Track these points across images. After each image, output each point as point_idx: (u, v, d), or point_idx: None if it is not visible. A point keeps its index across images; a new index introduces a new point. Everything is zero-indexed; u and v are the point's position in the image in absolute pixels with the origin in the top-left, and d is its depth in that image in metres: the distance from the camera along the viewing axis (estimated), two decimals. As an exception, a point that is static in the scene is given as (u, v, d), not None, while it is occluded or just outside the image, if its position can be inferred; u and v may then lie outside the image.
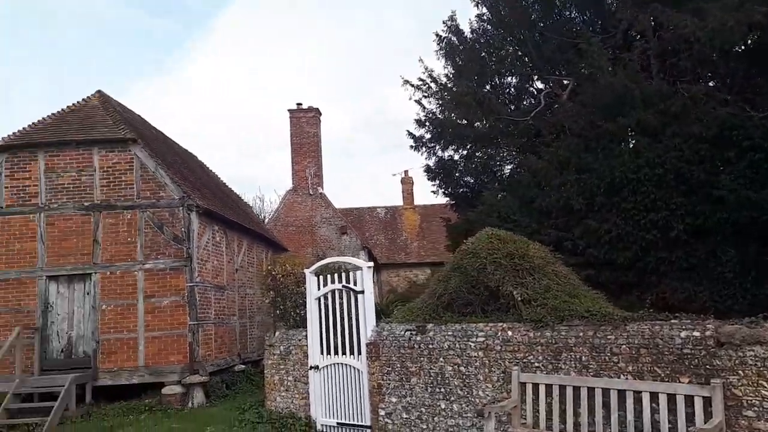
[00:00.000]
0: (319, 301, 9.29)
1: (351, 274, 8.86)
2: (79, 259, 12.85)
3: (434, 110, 17.78)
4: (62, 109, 14.02)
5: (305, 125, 29.79)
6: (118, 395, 12.65)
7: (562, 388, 6.22)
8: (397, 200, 42.10)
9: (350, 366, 8.71)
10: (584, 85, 11.90)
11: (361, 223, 37.10)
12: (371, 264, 8.60)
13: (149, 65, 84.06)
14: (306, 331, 9.49)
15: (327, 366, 9.06)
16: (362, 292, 8.61)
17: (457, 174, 17.93)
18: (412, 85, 17.37)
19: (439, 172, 17.91)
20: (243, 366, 15.51)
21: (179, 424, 10.32)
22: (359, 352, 8.56)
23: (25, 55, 76.19)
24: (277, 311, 9.89)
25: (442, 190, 18.27)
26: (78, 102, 14.28)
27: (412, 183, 40.54)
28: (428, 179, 18.32)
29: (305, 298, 9.55)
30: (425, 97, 17.47)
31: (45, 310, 12.81)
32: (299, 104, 29.98)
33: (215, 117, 71.80)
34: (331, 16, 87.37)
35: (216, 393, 13.03)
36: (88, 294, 12.88)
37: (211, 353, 13.46)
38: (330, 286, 9.15)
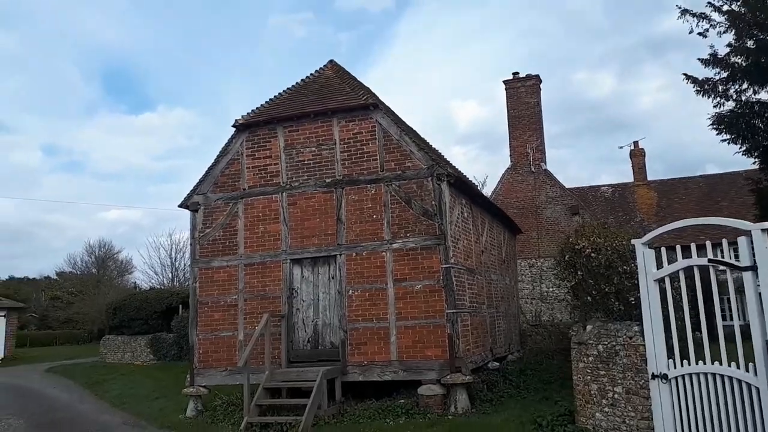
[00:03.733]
0: (662, 283, 6.52)
1: (720, 246, 5.94)
2: (323, 240, 11.61)
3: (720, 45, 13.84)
4: (297, 83, 13.01)
5: (524, 95, 26.89)
6: (367, 392, 11.16)
7: None
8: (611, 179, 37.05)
9: (733, 379, 5.80)
10: None
11: (584, 204, 33.00)
12: (766, 225, 5.57)
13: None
14: (639, 324, 6.78)
15: (683, 376, 6.25)
16: (751, 268, 5.64)
17: (764, 122, 13.72)
18: (695, 15, 13.61)
19: (737, 122, 13.85)
20: (497, 363, 13.27)
21: (457, 438, 8.30)
22: (750, 360, 5.62)
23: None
24: (587, 298, 7.27)
25: (742, 144, 14.18)
26: (311, 74, 13.18)
27: (644, 155, 35.34)
28: (718, 132, 14.31)
29: (633, 279, 6.83)
30: (713, 26, 13.58)
31: (290, 296, 11.80)
32: (515, 73, 27.18)
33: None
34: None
35: (479, 396, 10.90)
36: (333, 278, 11.59)
37: (469, 348, 11.36)
38: (683, 262, 6.32)
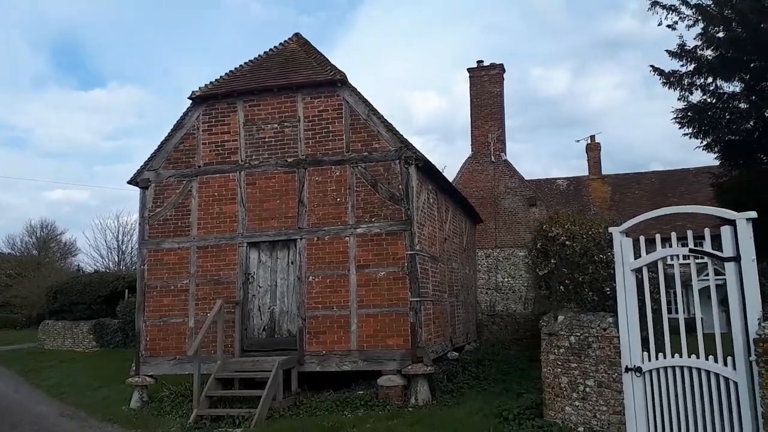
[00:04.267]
0: (639, 273, 6.31)
1: (703, 236, 5.76)
2: (283, 223, 11.05)
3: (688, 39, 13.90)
4: (259, 56, 12.30)
5: (487, 84, 26.72)
6: (325, 383, 10.72)
7: None
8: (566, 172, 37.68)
9: (710, 373, 5.64)
10: None
11: (541, 196, 33.28)
12: (752, 214, 5.39)
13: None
14: (613, 316, 6.58)
15: (658, 370, 6.07)
16: (734, 259, 5.46)
17: (727, 116, 13.87)
18: (665, 7, 13.59)
19: (700, 116, 13.96)
20: (456, 353, 13.05)
21: None
22: (729, 354, 5.46)
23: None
24: (559, 287, 7.02)
25: (703, 138, 14.33)
26: (275, 47, 12.48)
27: (600, 150, 35.95)
28: (681, 125, 14.42)
29: (609, 269, 6.61)
30: (682, 19, 13.60)
31: (245, 282, 11.21)
32: (480, 62, 26.98)
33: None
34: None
35: (440, 387, 10.63)
36: (292, 263, 11.06)
37: (430, 337, 11.06)
38: (661, 252, 6.13)
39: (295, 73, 11.38)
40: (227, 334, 10.80)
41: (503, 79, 27.09)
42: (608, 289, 6.59)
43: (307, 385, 10.69)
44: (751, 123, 13.20)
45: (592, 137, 36.54)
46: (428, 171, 11.39)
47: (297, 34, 12.69)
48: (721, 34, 13.51)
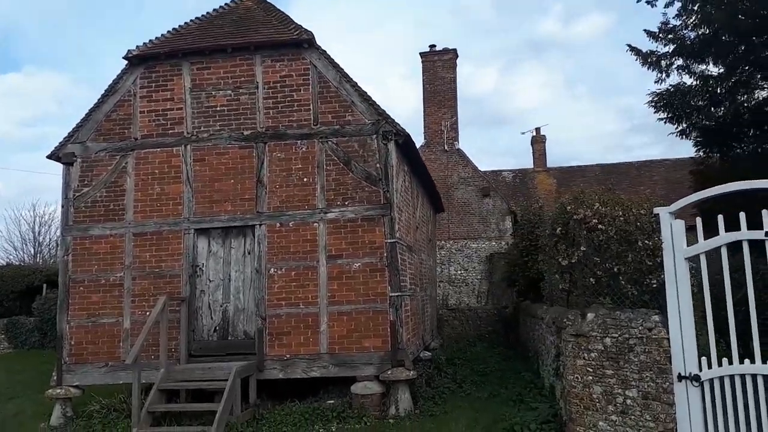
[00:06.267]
0: (694, 262, 5.28)
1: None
2: (238, 206, 9.46)
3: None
4: (208, 13, 10.59)
5: (440, 69, 25.75)
6: (288, 392, 9.27)
7: None
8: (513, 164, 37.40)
9: (797, 384, 4.65)
10: None
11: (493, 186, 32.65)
12: None
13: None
14: (659, 313, 5.53)
15: (721, 378, 5.05)
16: (832, 245, 4.48)
17: (703, 101, 13.38)
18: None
19: (675, 100, 13.41)
20: (428, 353, 11.87)
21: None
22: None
23: None
24: (589, 280, 5.91)
25: (678, 123, 13.81)
26: (227, 4, 10.78)
27: (544, 142, 35.78)
28: (656, 110, 13.84)
29: (655, 258, 5.55)
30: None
31: (193, 275, 9.56)
32: (432, 46, 25.93)
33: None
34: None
35: (420, 393, 9.39)
36: (249, 253, 9.50)
37: (409, 337, 9.80)
38: (727, 236, 5.09)
39: (254, 32, 9.78)
40: (171, 336, 9.13)
41: (456, 65, 26.20)
42: (654, 281, 5.52)
43: (267, 395, 9.19)
44: (728, 108, 12.73)
45: (537, 129, 36.26)
46: (406, 149, 10.09)
47: (252, -9, 11.03)
48: (694, 18, 13.02)
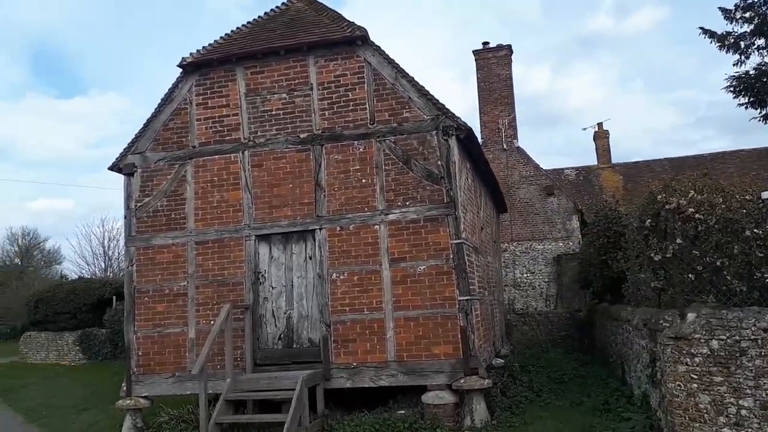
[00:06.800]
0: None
1: None
2: (298, 210, 9.22)
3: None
4: (259, 17, 10.45)
5: (495, 66, 25.02)
6: (357, 401, 8.91)
7: None
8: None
9: None
10: None
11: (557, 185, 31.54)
12: None
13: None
14: (778, 312, 4.81)
15: None
16: None
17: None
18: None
19: (760, 83, 12.35)
20: (501, 360, 11.26)
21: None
22: None
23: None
24: (688, 276, 5.23)
25: (761, 108, 12.71)
26: (276, 7, 10.62)
27: (608, 137, 34.29)
28: (735, 95, 12.78)
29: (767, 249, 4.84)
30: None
31: (255, 282, 9.37)
32: (486, 43, 25.25)
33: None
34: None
35: (496, 403, 8.82)
36: (311, 258, 9.22)
37: (480, 344, 9.26)
38: None
39: (305, 32, 9.54)
40: (236, 345, 8.96)
41: (511, 61, 25.40)
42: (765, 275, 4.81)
43: (334, 404, 8.86)
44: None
45: (600, 124, 34.78)
46: (468, 145, 9.59)
47: (303, -8, 10.82)
48: None
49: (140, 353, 9.53)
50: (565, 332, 16.13)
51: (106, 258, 40.01)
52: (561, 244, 23.45)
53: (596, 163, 34.61)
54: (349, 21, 9.54)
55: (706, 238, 5.19)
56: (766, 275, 4.90)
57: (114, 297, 20.73)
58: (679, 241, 5.29)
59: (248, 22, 10.34)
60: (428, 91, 8.94)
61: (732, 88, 12.69)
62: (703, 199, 5.33)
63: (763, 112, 12.79)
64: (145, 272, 9.63)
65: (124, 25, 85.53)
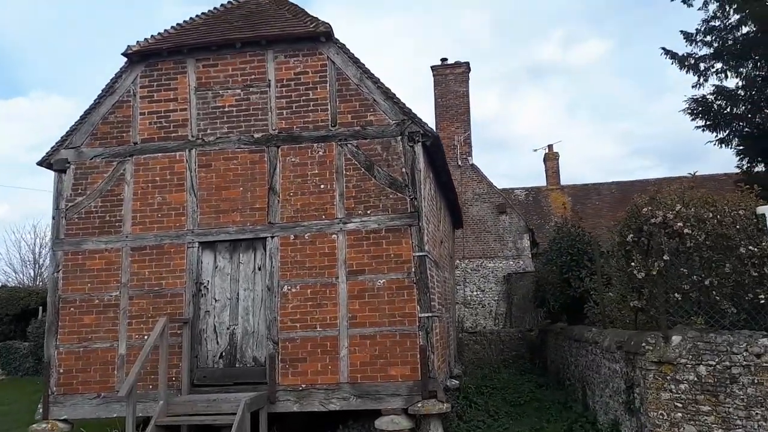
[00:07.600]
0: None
1: None
2: (248, 216, 8.49)
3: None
4: (215, 8, 9.77)
5: (452, 83, 24.97)
6: (302, 426, 8.20)
7: None
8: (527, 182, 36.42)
9: None
10: None
11: (509, 203, 31.68)
12: None
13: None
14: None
15: None
16: None
17: (745, 107, 12.47)
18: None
19: (716, 106, 12.50)
20: (456, 381, 10.75)
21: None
22: None
23: None
24: (674, 294, 4.87)
25: (717, 132, 12.88)
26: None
27: (557, 159, 34.91)
28: (693, 117, 12.92)
29: (763, 267, 4.53)
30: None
31: (196, 294, 8.55)
32: (444, 59, 25.19)
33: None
34: None
35: (453, 429, 8.28)
36: (260, 269, 8.49)
37: (438, 364, 8.72)
38: None
39: (266, 25, 8.91)
40: (171, 363, 8.08)
41: (468, 78, 25.43)
42: (763, 296, 4.49)
43: (278, 429, 8.12)
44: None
45: (550, 146, 35.49)
46: (434, 154, 9.15)
47: (264, -16, 10.19)
48: (734, 17, 12.19)
49: (61, 370, 8.51)
50: (516, 352, 15.83)
51: (36, 266, 37.48)
52: (512, 263, 23.37)
53: (545, 184, 35.15)
54: (312, 16, 8.98)
55: (694, 254, 4.86)
56: (760, 296, 4.59)
57: (40, 308, 19.17)
58: (666, 257, 4.94)
59: (203, 13, 9.64)
60: (394, 94, 8.45)
61: (690, 110, 12.80)
62: (690, 213, 5.02)
63: (719, 136, 12.95)
64: (73, 280, 8.66)
65: (76, 25, 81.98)
